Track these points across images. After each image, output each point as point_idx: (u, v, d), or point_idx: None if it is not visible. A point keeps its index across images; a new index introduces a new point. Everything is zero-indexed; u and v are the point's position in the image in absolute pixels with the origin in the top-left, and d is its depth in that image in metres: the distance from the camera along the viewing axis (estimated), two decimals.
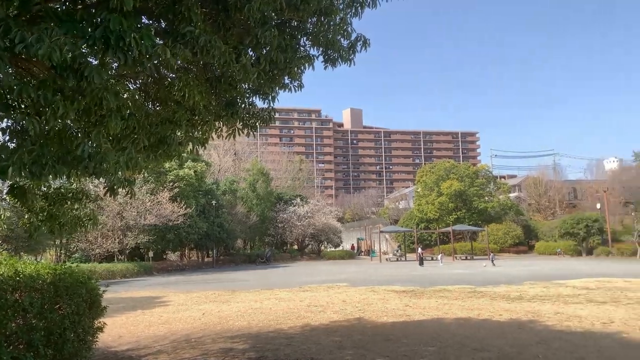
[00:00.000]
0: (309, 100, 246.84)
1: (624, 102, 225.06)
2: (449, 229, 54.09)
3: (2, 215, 12.73)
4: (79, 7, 4.35)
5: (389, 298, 16.96)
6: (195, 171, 42.52)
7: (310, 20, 6.21)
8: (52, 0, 4.68)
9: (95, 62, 4.42)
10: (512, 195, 71.26)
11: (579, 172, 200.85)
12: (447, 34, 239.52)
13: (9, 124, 4.62)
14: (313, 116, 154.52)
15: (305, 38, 6.31)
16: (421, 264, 40.27)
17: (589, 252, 49.98)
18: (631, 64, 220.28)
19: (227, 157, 65.45)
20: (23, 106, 4.39)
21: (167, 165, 37.96)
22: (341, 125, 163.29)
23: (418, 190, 66.15)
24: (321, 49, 6.38)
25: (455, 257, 50.63)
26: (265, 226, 55.47)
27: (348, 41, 6.47)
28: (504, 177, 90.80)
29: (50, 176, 4.75)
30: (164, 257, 45.45)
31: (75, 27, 4.11)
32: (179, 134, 6.16)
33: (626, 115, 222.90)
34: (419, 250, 44.20)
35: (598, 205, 57.52)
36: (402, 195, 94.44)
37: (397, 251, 57.51)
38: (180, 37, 4.54)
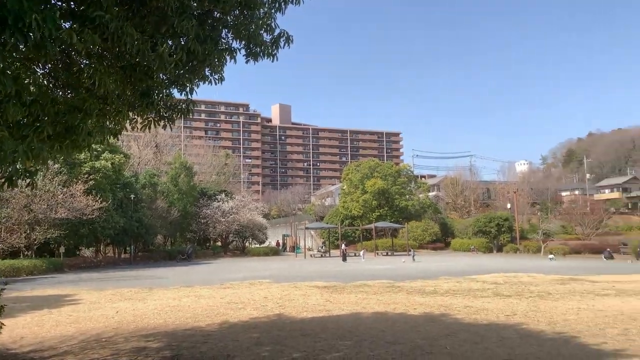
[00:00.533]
0: (238, 94, 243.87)
1: (535, 111, 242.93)
2: (372, 225, 55.68)
3: None
4: None
5: (311, 294, 17.13)
6: (112, 163, 40.43)
7: (232, 12, 6.10)
8: None
9: None
10: (431, 194, 74.53)
11: (493, 173, 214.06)
12: (372, 35, 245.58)
13: None
14: (241, 110, 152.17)
15: (227, 30, 6.19)
16: (344, 259, 41.08)
17: (500, 249, 53.35)
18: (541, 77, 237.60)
19: (148, 150, 62.74)
20: None
21: (82, 156, 35.84)
22: (270, 120, 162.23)
23: (344, 187, 67.36)
24: (243, 42, 6.29)
25: (377, 253, 52.09)
26: (187, 222, 53.89)
27: (271, 36, 6.43)
28: (424, 177, 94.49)
29: None
30: (78, 253, 42.84)
31: None
32: (89, 123, 5.81)
33: (537, 122, 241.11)
34: (343, 246, 45.06)
35: (508, 205, 61.50)
36: (329, 192, 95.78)
37: (322, 247, 58.23)
38: (89, 22, 4.25)
